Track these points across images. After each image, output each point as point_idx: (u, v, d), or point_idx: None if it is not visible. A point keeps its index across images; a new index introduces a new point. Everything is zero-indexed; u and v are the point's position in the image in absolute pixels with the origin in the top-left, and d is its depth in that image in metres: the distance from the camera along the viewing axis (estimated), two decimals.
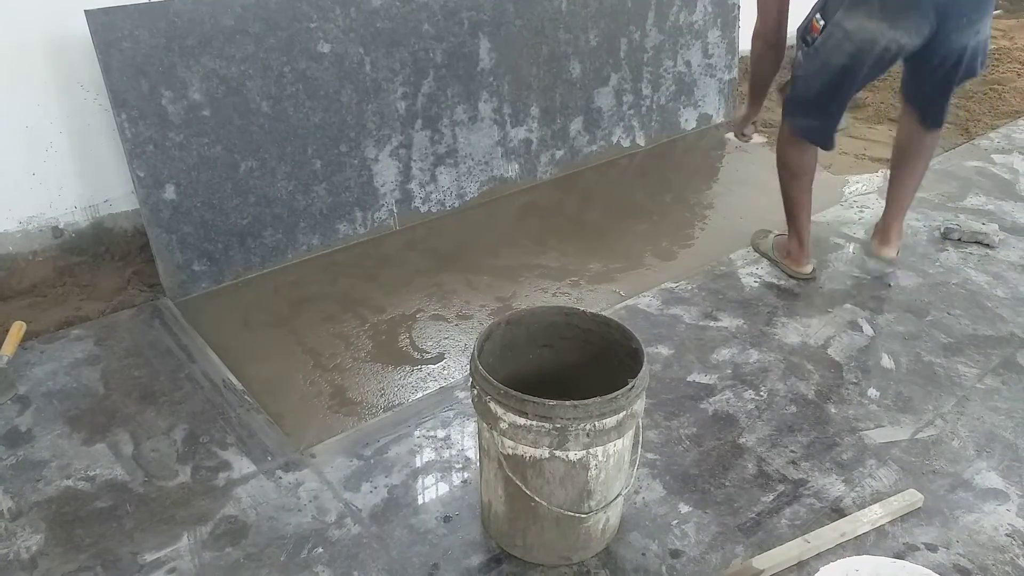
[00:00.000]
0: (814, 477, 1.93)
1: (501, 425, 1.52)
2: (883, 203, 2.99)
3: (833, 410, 2.15)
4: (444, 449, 2.00)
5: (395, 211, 2.99)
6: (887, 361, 2.34)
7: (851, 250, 2.93)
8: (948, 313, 2.56)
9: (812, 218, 2.73)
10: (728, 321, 2.50)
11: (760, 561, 1.67)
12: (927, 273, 2.77)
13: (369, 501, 1.84)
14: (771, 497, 1.87)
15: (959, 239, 2.95)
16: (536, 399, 1.47)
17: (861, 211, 3.19)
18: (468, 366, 1.63)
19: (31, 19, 2.42)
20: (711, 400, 2.17)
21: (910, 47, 2.30)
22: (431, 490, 1.88)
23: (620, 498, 1.65)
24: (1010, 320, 2.52)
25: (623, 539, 1.75)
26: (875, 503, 1.83)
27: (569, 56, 3.30)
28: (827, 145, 2.57)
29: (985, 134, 3.93)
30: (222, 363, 2.28)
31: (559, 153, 3.42)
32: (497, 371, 1.58)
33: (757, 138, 2.96)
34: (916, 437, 2.06)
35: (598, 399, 1.48)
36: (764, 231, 2.92)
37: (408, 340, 2.44)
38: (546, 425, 1.48)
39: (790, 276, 2.73)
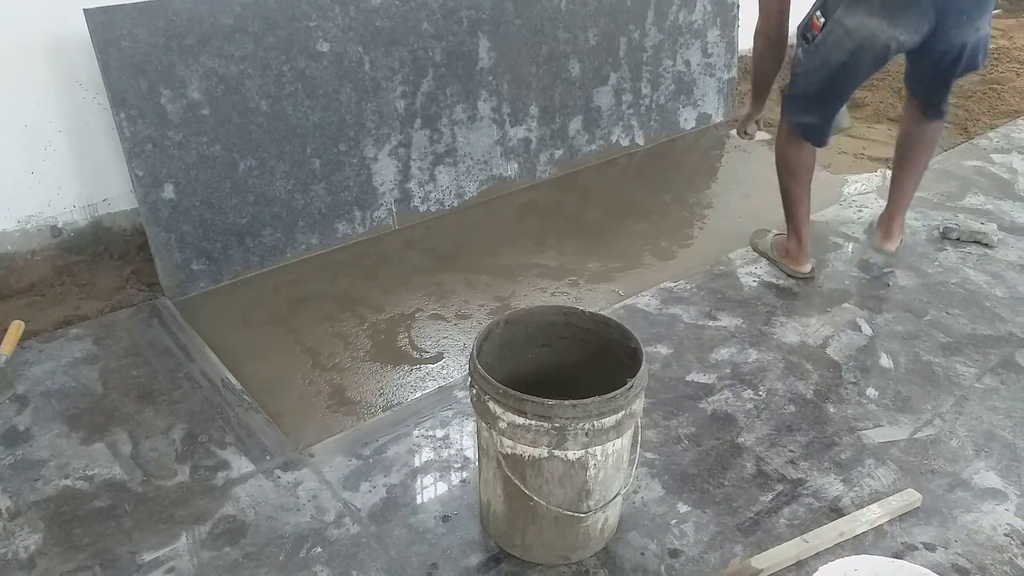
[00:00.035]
0: (813, 477, 1.93)
1: (500, 424, 1.52)
2: (882, 202, 3.01)
3: (832, 410, 2.15)
4: (443, 449, 2.00)
5: (394, 210, 2.99)
6: (886, 361, 2.34)
7: (850, 249, 2.93)
8: (947, 313, 2.56)
9: (811, 217, 2.73)
10: (727, 321, 2.50)
11: (759, 561, 1.67)
12: (926, 273, 2.78)
13: (368, 500, 1.84)
14: (770, 497, 1.87)
15: (958, 239, 2.96)
16: (535, 398, 1.47)
17: (860, 211, 3.19)
18: (467, 365, 1.63)
19: (30, 18, 2.41)
20: (710, 400, 2.17)
21: (909, 44, 2.32)
22: (430, 490, 1.88)
23: (619, 498, 1.65)
24: (1009, 320, 2.53)
25: (622, 538, 1.75)
26: (874, 503, 1.83)
27: (568, 55, 3.30)
28: (821, 142, 2.58)
29: (984, 134, 3.93)
30: (221, 362, 2.28)
31: (558, 152, 3.42)
32: (496, 370, 1.58)
33: (761, 136, 2.98)
34: (915, 437, 2.06)
35: (597, 399, 1.48)
36: (763, 230, 2.92)
37: (407, 339, 2.44)
38: (545, 424, 1.48)
39: (789, 275, 2.73)
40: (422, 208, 3.06)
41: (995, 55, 4.85)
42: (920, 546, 1.75)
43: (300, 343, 2.41)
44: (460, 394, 2.18)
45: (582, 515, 1.59)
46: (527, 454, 1.53)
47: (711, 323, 2.49)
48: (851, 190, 3.38)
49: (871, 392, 2.22)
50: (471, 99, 3.06)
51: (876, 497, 1.86)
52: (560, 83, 3.31)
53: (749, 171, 3.57)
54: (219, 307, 2.55)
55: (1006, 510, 1.84)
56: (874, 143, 3.84)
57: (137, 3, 2.31)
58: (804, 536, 1.74)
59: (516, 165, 3.29)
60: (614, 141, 3.62)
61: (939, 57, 2.39)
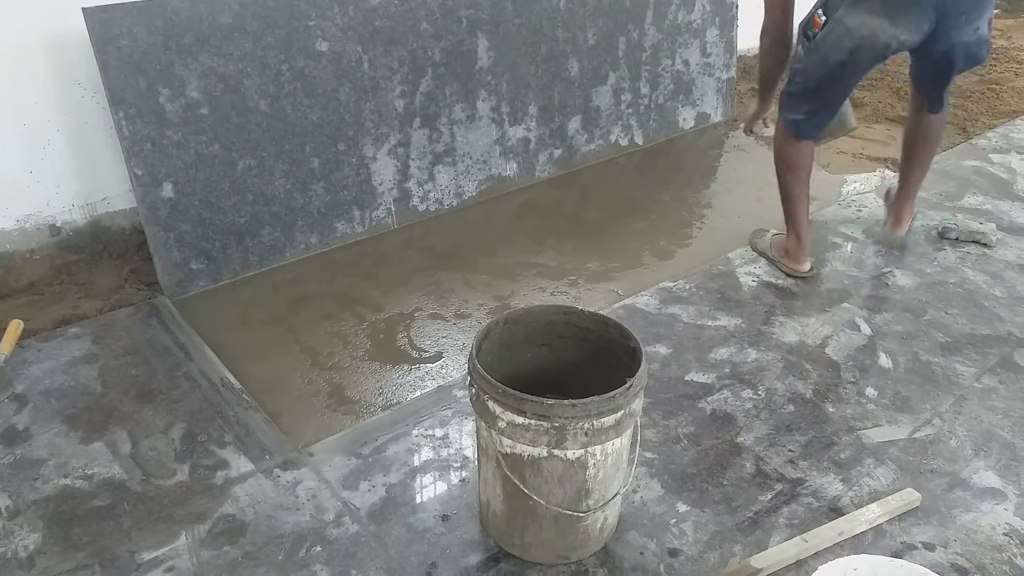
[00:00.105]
0: (812, 476, 1.93)
1: (499, 424, 1.52)
2: (881, 202, 3.02)
3: (831, 409, 2.15)
4: (442, 448, 2.00)
5: (393, 210, 2.99)
6: (885, 360, 2.35)
7: (849, 249, 2.93)
8: (946, 312, 2.56)
9: (810, 217, 2.74)
10: (726, 320, 2.50)
11: (758, 560, 1.67)
12: (925, 272, 2.78)
13: (367, 500, 1.84)
14: (769, 496, 1.87)
15: (957, 238, 2.96)
16: (534, 398, 1.47)
17: (859, 210, 3.19)
18: (466, 365, 1.63)
19: (29, 17, 2.41)
20: (709, 399, 2.17)
21: (910, 43, 2.35)
22: (429, 489, 1.88)
23: (618, 497, 1.65)
24: (1007, 319, 2.53)
25: (621, 538, 1.75)
26: (873, 502, 1.83)
27: (567, 55, 3.30)
28: (815, 136, 2.63)
29: (983, 134, 3.94)
30: (220, 362, 2.27)
31: (557, 152, 3.42)
32: (495, 370, 1.58)
33: (768, 133, 3.02)
34: (914, 436, 2.06)
35: (596, 398, 1.48)
36: (762, 230, 2.93)
37: (406, 339, 2.44)
38: (544, 424, 1.48)
39: (788, 275, 2.73)
40: (421, 207, 3.06)
41: (994, 55, 4.85)
42: (919, 545, 1.75)
43: (299, 342, 2.41)
44: (459, 393, 2.18)
45: (581, 514, 1.59)
46: (526, 453, 1.53)
47: (710, 323, 2.49)
48: (850, 190, 3.38)
49: (870, 392, 2.22)
50: (470, 99, 3.06)
51: (875, 496, 1.86)
52: (559, 83, 3.31)
53: (748, 171, 3.57)
54: (218, 306, 2.55)
55: (1005, 510, 1.85)
56: (873, 143, 3.84)
57: (136, 2, 2.31)
58: (803, 535, 1.74)
59: (515, 165, 3.29)
60: (613, 141, 3.62)
61: (939, 56, 2.43)
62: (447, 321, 2.53)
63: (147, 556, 1.69)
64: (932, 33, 2.32)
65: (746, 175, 3.54)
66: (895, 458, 1.99)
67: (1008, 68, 4.73)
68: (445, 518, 1.79)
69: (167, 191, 2.47)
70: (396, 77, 2.84)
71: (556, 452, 1.51)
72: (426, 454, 1.98)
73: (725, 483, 1.90)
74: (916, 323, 2.51)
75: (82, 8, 2.24)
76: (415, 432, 2.05)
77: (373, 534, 1.75)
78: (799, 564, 1.69)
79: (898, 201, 2.91)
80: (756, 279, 2.73)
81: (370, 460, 1.95)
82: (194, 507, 1.81)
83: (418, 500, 1.85)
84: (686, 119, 3.89)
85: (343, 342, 2.42)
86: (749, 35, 4.12)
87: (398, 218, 3.01)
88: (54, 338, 2.35)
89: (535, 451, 1.52)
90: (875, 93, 4.34)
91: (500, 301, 2.63)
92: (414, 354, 2.38)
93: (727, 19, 3.85)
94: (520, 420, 1.49)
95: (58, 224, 2.68)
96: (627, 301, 2.60)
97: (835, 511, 1.83)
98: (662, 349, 2.36)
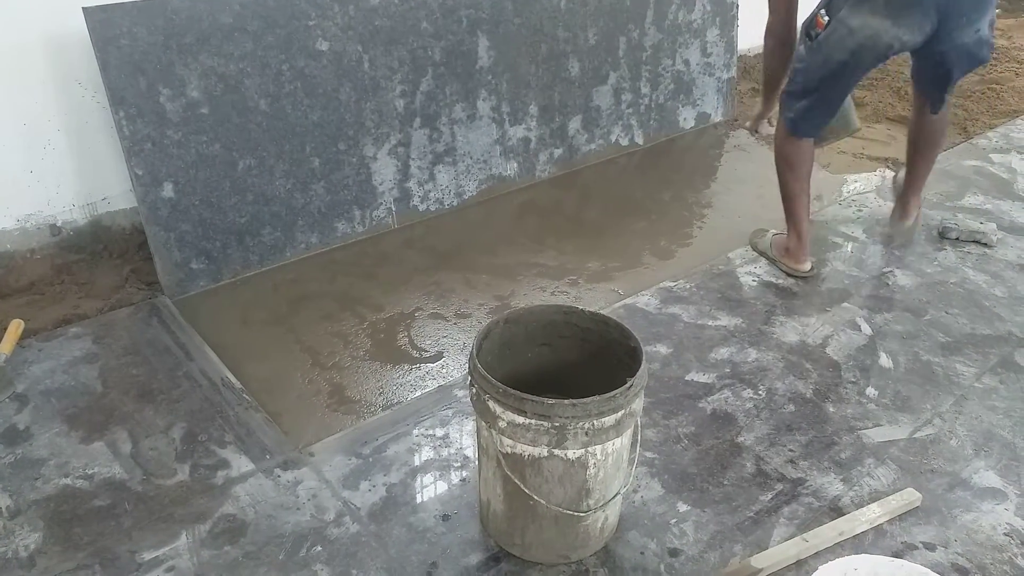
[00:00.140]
0: (812, 476, 1.93)
1: (500, 424, 1.52)
2: (881, 202, 3.03)
3: (831, 409, 2.15)
4: (443, 448, 2.00)
5: (393, 209, 2.99)
6: (885, 360, 2.35)
7: (850, 249, 2.93)
8: (946, 312, 2.56)
9: (811, 217, 2.74)
10: (726, 320, 2.50)
11: (758, 560, 1.67)
12: (925, 272, 2.78)
13: (368, 500, 1.84)
14: (769, 496, 1.87)
15: (957, 238, 2.96)
16: (535, 397, 1.47)
17: (860, 210, 3.19)
18: (467, 364, 1.63)
19: (29, 17, 2.41)
20: (709, 399, 2.17)
21: (911, 44, 2.37)
22: (430, 489, 1.88)
23: (619, 497, 1.65)
24: (1008, 319, 2.53)
25: (622, 538, 1.75)
26: (873, 502, 1.83)
27: (568, 55, 3.30)
28: (814, 134, 2.65)
29: (983, 133, 3.94)
30: (220, 361, 2.27)
31: (558, 152, 3.42)
32: (496, 370, 1.59)
33: (772, 132, 3.04)
34: (914, 436, 2.06)
35: (597, 398, 1.48)
36: (762, 230, 2.93)
37: (407, 338, 2.44)
38: (545, 424, 1.48)
39: (788, 275, 2.73)
40: (421, 207, 3.06)
41: (994, 55, 4.84)
42: (920, 545, 1.75)
43: (300, 342, 2.41)
44: (460, 393, 2.18)
45: (582, 514, 1.59)
46: (527, 453, 1.53)
47: (711, 322, 2.49)
48: (850, 189, 3.38)
49: (871, 391, 2.22)
50: (470, 98, 3.06)
51: (876, 496, 1.86)
52: (559, 82, 3.31)
53: (748, 170, 3.57)
54: (218, 306, 2.55)
55: (1006, 509, 1.85)
56: (873, 143, 3.84)
57: (136, 2, 2.31)
58: (804, 535, 1.74)
59: (515, 164, 3.29)
60: (613, 140, 3.62)
61: (940, 57, 2.45)
62: (447, 321, 2.53)
63: (147, 556, 1.69)
64: (934, 34, 2.34)
65: (746, 175, 3.54)
66: (896, 458, 1.99)
67: (1008, 68, 4.73)
68: (446, 518, 1.79)
69: (167, 191, 2.47)
70: (396, 77, 2.84)
71: (556, 452, 1.51)
72: (426, 454, 1.98)
73: (725, 483, 1.90)
74: (916, 323, 2.51)
75: (82, 8, 2.24)
76: (416, 432, 2.05)
77: (374, 534, 1.75)
78: (799, 564, 1.70)
79: (905, 194, 2.98)
80: (756, 279, 2.73)
81: (370, 460, 1.95)
82: (195, 507, 1.81)
83: (419, 500, 1.85)
84: (686, 119, 3.89)
85: (343, 342, 2.42)
86: (749, 35, 4.14)
87: (398, 218, 3.01)
88: (55, 338, 2.35)
89: (535, 451, 1.52)
90: (876, 93, 4.33)
91: (500, 301, 2.63)
92: (415, 354, 2.38)
93: (727, 19, 3.85)
94: (521, 420, 1.49)
95: (58, 224, 2.68)
96: (627, 301, 2.60)
97: (835, 511, 1.83)
98: (662, 349, 2.36)
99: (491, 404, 1.52)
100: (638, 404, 1.58)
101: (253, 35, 2.50)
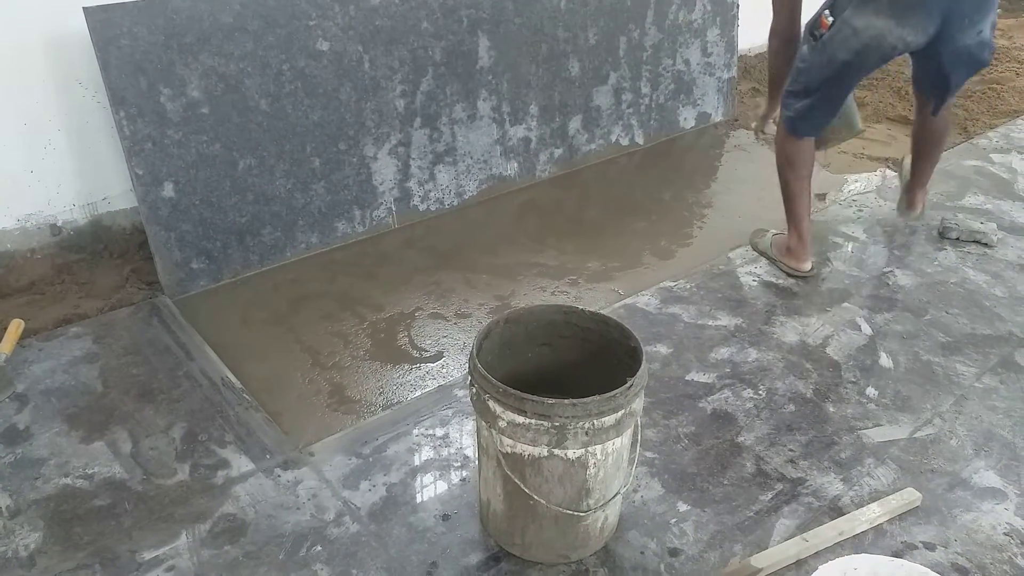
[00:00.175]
0: (812, 476, 1.93)
1: (500, 423, 1.52)
2: (882, 202, 3.06)
3: (831, 409, 2.15)
4: (443, 447, 2.00)
5: (394, 209, 2.99)
6: (885, 360, 2.34)
7: (850, 249, 2.93)
8: (946, 312, 2.56)
9: (811, 217, 2.74)
10: (727, 320, 2.50)
11: (758, 559, 1.67)
12: (925, 272, 2.78)
13: (368, 499, 1.84)
14: (769, 496, 1.87)
15: (957, 238, 2.96)
16: (535, 397, 1.47)
17: (860, 210, 3.19)
18: (467, 364, 1.63)
19: (30, 16, 2.41)
20: (710, 399, 2.17)
21: (915, 45, 2.38)
22: (430, 488, 1.88)
23: (619, 496, 1.65)
24: (1008, 319, 2.53)
25: (622, 537, 1.75)
26: (873, 502, 1.83)
27: (568, 54, 3.30)
28: (816, 133, 2.66)
29: (983, 133, 3.94)
30: (220, 361, 2.28)
31: (558, 152, 3.42)
32: (496, 369, 1.59)
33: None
34: (914, 436, 2.06)
35: (597, 397, 1.48)
36: (762, 230, 2.93)
37: (407, 338, 2.44)
38: (545, 423, 1.48)
39: (789, 275, 2.73)
40: (422, 207, 3.06)
41: (995, 55, 4.85)
42: (920, 545, 1.75)
43: (300, 342, 2.41)
44: (460, 393, 2.18)
45: (582, 514, 1.59)
46: (527, 453, 1.53)
47: (711, 322, 2.49)
48: (851, 189, 3.38)
49: (871, 391, 2.22)
50: (471, 98, 3.06)
51: (876, 496, 1.86)
52: (560, 82, 3.31)
53: (749, 170, 3.57)
54: (219, 306, 2.55)
55: (1005, 509, 1.85)
56: (873, 142, 3.84)
57: (137, 1, 2.31)
58: (804, 535, 1.74)
59: (516, 164, 3.29)
60: (614, 140, 3.62)
61: (941, 59, 2.46)
62: (448, 321, 2.53)
63: (148, 555, 1.69)
64: (936, 35, 2.35)
65: (747, 175, 3.54)
66: (896, 458, 1.99)
67: (1009, 68, 4.73)
68: (446, 517, 1.79)
69: (168, 191, 2.47)
70: (397, 77, 2.84)
71: (557, 451, 1.51)
72: (427, 453, 1.98)
73: (726, 483, 1.90)
74: (917, 323, 2.51)
75: (83, 7, 2.24)
76: (416, 432, 2.05)
77: (374, 533, 1.75)
78: (799, 564, 1.69)
79: (911, 187, 3.04)
80: (757, 279, 2.73)
81: (370, 460, 1.95)
82: (195, 506, 1.81)
83: (419, 499, 1.85)
84: (687, 119, 3.89)
85: (344, 342, 2.42)
86: (750, 35, 4.15)
87: (399, 218, 3.01)
88: (55, 337, 2.35)
89: (536, 450, 1.52)
90: (876, 93, 4.33)
91: (501, 301, 2.63)
92: (415, 353, 2.38)
93: (728, 19, 3.85)
94: (521, 419, 1.49)
95: (59, 223, 2.68)
96: (628, 301, 2.60)
97: (835, 511, 1.83)
98: (663, 349, 2.36)
99: (491, 404, 1.52)
100: (638, 404, 1.58)
101: (253, 35, 2.51)
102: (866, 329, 2.48)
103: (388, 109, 2.85)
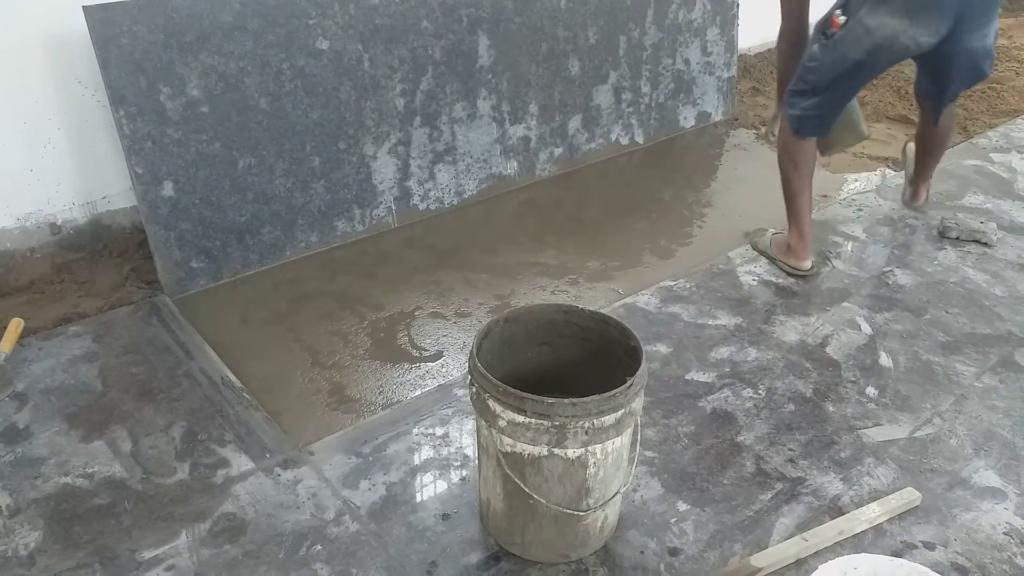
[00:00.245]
0: (812, 475, 1.93)
1: (500, 423, 1.52)
2: (882, 201, 3.07)
3: (831, 408, 2.15)
4: (443, 447, 2.00)
5: (393, 208, 2.99)
6: (885, 359, 2.34)
7: (850, 249, 2.93)
8: (946, 312, 2.56)
9: (811, 216, 2.74)
10: (726, 319, 2.50)
11: (758, 559, 1.67)
12: (925, 272, 2.78)
13: (367, 499, 1.84)
14: (769, 495, 1.87)
15: (957, 238, 2.96)
16: (535, 397, 1.47)
17: (860, 210, 3.19)
18: (467, 364, 1.63)
19: (30, 15, 2.41)
20: (709, 398, 2.17)
21: (927, 46, 2.39)
22: (429, 488, 1.88)
23: (618, 496, 1.65)
24: (1008, 319, 2.53)
25: (621, 537, 1.75)
26: (873, 501, 1.83)
27: (568, 54, 3.30)
28: (823, 133, 2.68)
29: (983, 133, 3.94)
30: (220, 360, 2.28)
31: (558, 151, 3.42)
32: (496, 369, 1.59)
33: None
34: (914, 435, 2.06)
35: (597, 397, 1.48)
36: (762, 229, 2.93)
37: (407, 338, 2.44)
38: (545, 423, 1.48)
39: (789, 274, 2.73)
40: (422, 206, 3.06)
41: (995, 55, 4.85)
42: (919, 545, 1.75)
43: (299, 341, 2.41)
44: (460, 392, 2.18)
45: (582, 513, 1.59)
46: (527, 452, 1.53)
47: (711, 322, 2.49)
48: (851, 189, 3.38)
49: (871, 391, 2.22)
50: (471, 97, 3.06)
51: (875, 496, 1.86)
52: (560, 81, 3.31)
53: (749, 170, 3.57)
54: (218, 305, 2.55)
55: (1005, 509, 1.85)
56: (873, 142, 3.84)
57: (136, 0, 2.31)
58: (803, 535, 1.74)
59: (516, 163, 3.29)
60: (614, 140, 3.62)
61: (948, 62, 2.48)
62: (447, 320, 2.53)
63: (147, 554, 1.69)
64: (947, 36, 2.36)
65: (747, 174, 3.54)
66: (895, 457, 1.99)
67: (1009, 67, 4.73)
68: (445, 517, 1.79)
69: (168, 189, 2.47)
70: (397, 76, 2.84)
71: (556, 451, 1.51)
72: (426, 453, 1.98)
73: (725, 482, 1.90)
74: (916, 322, 2.51)
75: (83, 6, 2.24)
76: (415, 431, 2.05)
77: (373, 533, 1.75)
78: (799, 563, 1.70)
79: (915, 180, 3.12)
80: (757, 278, 2.73)
81: (370, 459, 1.95)
82: (194, 505, 1.81)
83: (418, 499, 1.85)
84: (687, 118, 3.89)
85: (343, 341, 2.42)
86: (750, 34, 4.14)
87: (398, 217, 3.01)
88: (54, 336, 2.35)
89: (535, 450, 1.52)
90: (876, 92, 4.33)
91: (500, 300, 2.63)
92: (414, 353, 2.38)
93: (728, 18, 3.85)
94: (521, 419, 1.49)
95: (58, 222, 2.68)
96: (628, 300, 2.60)
97: (835, 510, 1.83)
98: (662, 348, 2.36)
99: (491, 403, 1.52)
100: (638, 403, 1.58)
101: (253, 34, 2.50)
102: (866, 328, 2.48)
103: (388, 108, 2.85)
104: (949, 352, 2.38)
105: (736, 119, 4.02)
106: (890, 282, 2.72)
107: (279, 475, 1.90)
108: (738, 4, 3.86)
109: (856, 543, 1.75)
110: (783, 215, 2.75)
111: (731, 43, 3.91)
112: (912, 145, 3.13)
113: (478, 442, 1.68)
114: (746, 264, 2.81)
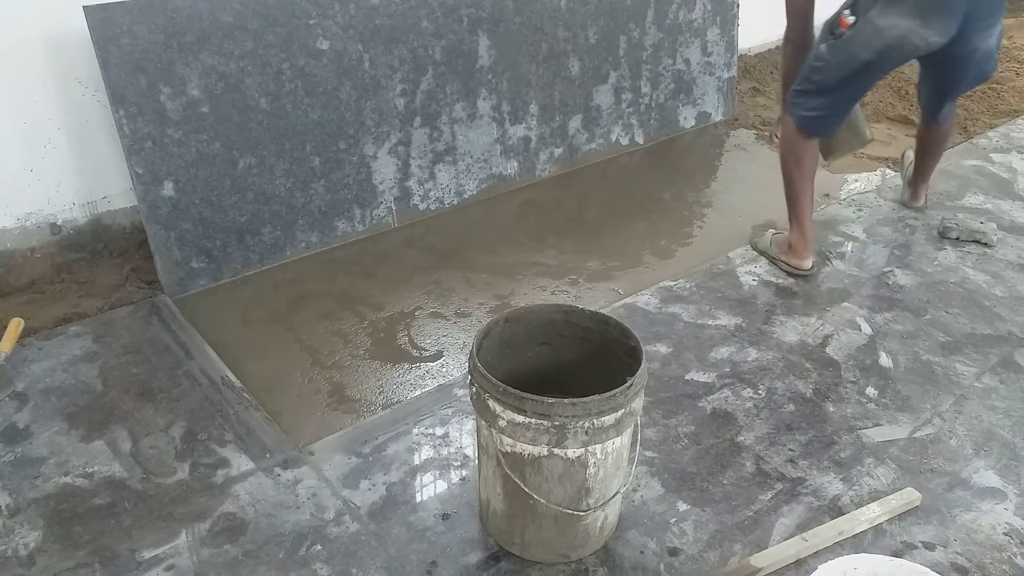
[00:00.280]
0: (812, 475, 1.93)
1: (500, 423, 1.52)
2: (882, 201, 3.08)
3: (831, 409, 2.15)
4: (443, 447, 2.00)
5: (394, 208, 2.99)
6: (885, 360, 2.34)
7: (850, 249, 2.93)
8: (946, 312, 2.56)
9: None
10: (726, 319, 2.50)
11: (758, 559, 1.67)
12: (925, 272, 2.78)
13: (367, 499, 1.84)
14: (769, 495, 1.87)
15: (957, 238, 2.96)
16: (535, 397, 1.47)
17: (860, 210, 3.19)
18: (467, 364, 1.63)
19: (30, 15, 2.41)
20: (709, 398, 2.17)
21: (936, 46, 2.38)
22: (429, 488, 1.88)
23: (618, 496, 1.65)
24: (1008, 319, 2.53)
25: (621, 537, 1.75)
26: (873, 501, 1.83)
27: (568, 54, 3.30)
28: (829, 133, 2.69)
29: (984, 133, 3.94)
30: (220, 360, 2.28)
31: (558, 151, 3.42)
32: (496, 369, 1.59)
33: None
34: (914, 436, 2.06)
35: (597, 397, 1.48)
36: (762, 229, 2.93)
37: (407, 338, 2.44)
38: (545, 423, 1.48)
39: (789, 274, 2.73)
40: (422, 206, 3.06)
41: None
42: (919, 545, 1.75)
43: (300, 341, 2.41)
44: (460, 392, 2.18)
45: (582, 513, 1.59)
46: (527, 452, 1.53)
47: (711, 322, 2.49)
48: (851, 189, 3.38)
49: (871, 391, 2.22)
50: (471, 97, 3.06)
51: (875, 496, 1.86)
52: (560, 81, 3.31)
53: (749, 170, 3.57)
54: (219, 305, 2.55)
55: (1005, 509, 1.85)
56: (873, 142, 3.83)
57: (137, 0, 2.31)
58: (803, 535, 1.74)
59: (516, 163, 3.29)
60: (614, 140, 3.62)
61: (954, 62, 2.48)
62: (447, 320, 2.53)
63: (147, 554, 1.69)
64: (956, 36, 2.36)
65: (747, 174, 3.54)
66: (895, 457, 1.99)
67: (1009, 68, 4.73)
68: (445, 517, 1.79)
69: (168, 189, 2.47)
70: (397, 76, 2.84)
71: (556, 451, 1.51)
72: (426, 453, 1.98)
73: (725, 482, 1.90)
74: (916, 322, 2.51)
75: (83, 6, 2.24)
76: (415, 431, 2.05)
77: (373, 533, 1.75)
78: (799, 563, 1.70)
79: (914, 181, 3.15)
80: (757, 278, 2.73)
81: (370, 459, 1.95)
82: (194, 505, 1.81)
83: (418, 499, 1.85)
84: (687, 118, 3.89)
85: (343, 341, 2.42)
86: (750, 34, 4.14)
87: (399, 217, 3.01)
88: (55, 336, 2.35)
89: (535, 450, 1.52)
90: (876, 92, 4.32)
91: (501, 300, 2.63)
92: (414, 353, 2.38)
93: (728, 18, 3.85)
94: (521, 419, 1.49)
95: (59, 222, 2.68)
96: (628, 300, 2.60)
97: (835, 510, 1.83)
98: (662, 348, 2.36)
99: (491, 403, 1.52)
100: (638, 403, 1.58)
101: (253, 34, 2.50)
102: (866, 329, 2.48)
103: (388, 108, 2.85)
104: (949, 352, 2.38)
105: (736, 119, 4.02)
106: (890, 282, 2.72)
107: (279, 475, 1.90)
108: (738, 4, 3.86)
109: (856, 543, 1.75)
110: (783, 215, 2.75)
111: (731, 43, 3.91)
112: (911, 152, 3.14)
113: (478, 442, 1.68)
114: (746, 264, 2.81)
